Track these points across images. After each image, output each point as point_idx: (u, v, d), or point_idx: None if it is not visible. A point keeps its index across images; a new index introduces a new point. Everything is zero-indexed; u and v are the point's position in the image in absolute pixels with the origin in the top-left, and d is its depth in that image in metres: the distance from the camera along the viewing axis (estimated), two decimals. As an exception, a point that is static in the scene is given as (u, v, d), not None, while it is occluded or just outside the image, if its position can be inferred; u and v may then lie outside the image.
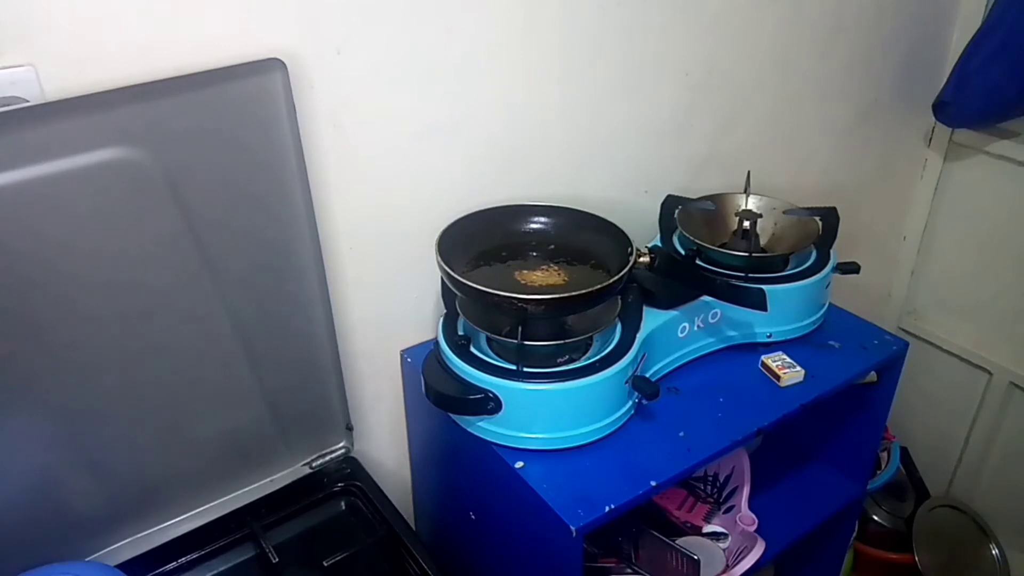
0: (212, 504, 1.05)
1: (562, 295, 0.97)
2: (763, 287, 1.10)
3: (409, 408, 1.24)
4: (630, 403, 1.03)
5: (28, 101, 0.76)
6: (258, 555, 1.03)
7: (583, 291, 0.95)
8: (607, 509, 0.91)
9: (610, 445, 1.00)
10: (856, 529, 1.55)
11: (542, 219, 1.12)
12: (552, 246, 1.10)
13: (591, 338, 1.04)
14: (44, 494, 0.91)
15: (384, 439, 1.25)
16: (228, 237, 0.90)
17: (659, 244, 1.26)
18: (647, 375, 1.06)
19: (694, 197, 1.28)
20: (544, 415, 0.98)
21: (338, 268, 1.06)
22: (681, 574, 1.13)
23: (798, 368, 1.12)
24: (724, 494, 1.29)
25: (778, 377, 1.12)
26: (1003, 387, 1.80)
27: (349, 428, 1.13)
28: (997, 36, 1.45)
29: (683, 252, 1.22)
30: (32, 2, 0.75)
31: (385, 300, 1.14)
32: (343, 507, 1.11)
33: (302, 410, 1.07)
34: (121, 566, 0.96)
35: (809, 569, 1.54)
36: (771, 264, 1.20)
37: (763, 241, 1.24)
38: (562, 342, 1.00)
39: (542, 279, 1.04)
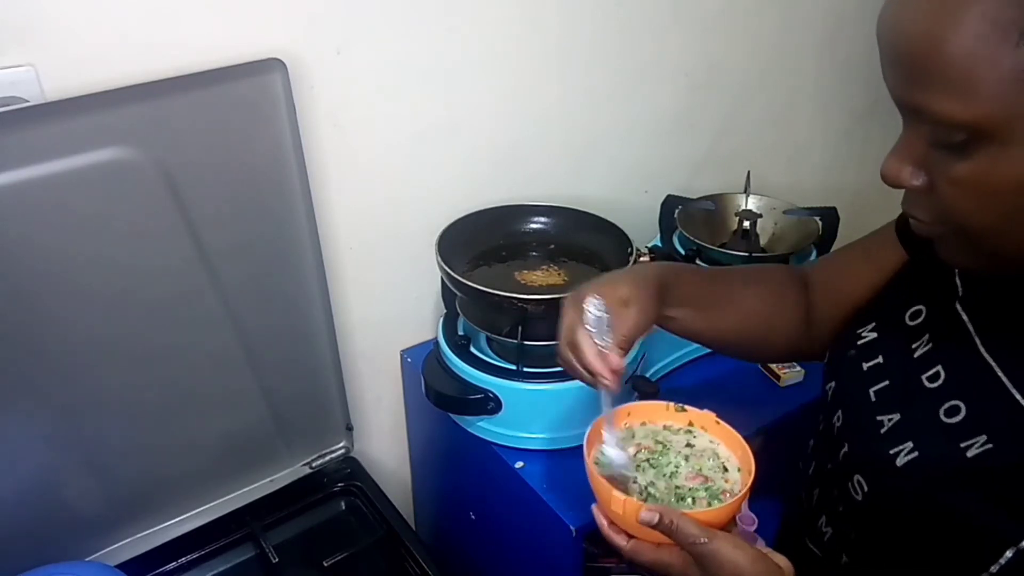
0: (212, 504, 1.05)
1: (562, 295, 0.96)
2: (763, 287, 1.09)
3: (409, 408, 1.24)
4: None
5: (28, 101, 0.76)
6: (258, 555, 1.03)
7: (583, 291, 0.94)
8: (607, 509, 0.90)
9: (610, 445, 1.00)
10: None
11: (542, 219, 1.12)
12: (552, 246, 1.10)
13: (591, 338, 1.04)
14: (44, 494, 0.91)
15: (384, 439, 1.25)
16: (228, 237, 0.90)
17: (659, 244, 1.26)
18: (647, 375, 1.06)
19: (694, 197, 1.28)
20: (544, 415, 0.98)
21: (338, 268, 1.06)
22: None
23: (798, 368, 1.12)
24: (724, 494, 1.29)
25: (778, 377, 1.12)
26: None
27: (349, 428, 1.13)
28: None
29: (683, 252, 1.22)
30: (32, 2, 0.75)
31: (385, 300, 1.14)
32: (343, 507, 1.11)
33: (302, 410, 1.07)
34: (121, 566, 0.96)
35: (809, 569, 1.54)
36: (771, 264, 1.19)
37: (763, 241, 1.24)
38: (562, 342, 1.00)
39: (542, 279, 1.04)
